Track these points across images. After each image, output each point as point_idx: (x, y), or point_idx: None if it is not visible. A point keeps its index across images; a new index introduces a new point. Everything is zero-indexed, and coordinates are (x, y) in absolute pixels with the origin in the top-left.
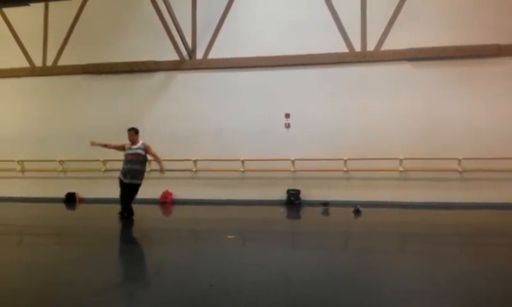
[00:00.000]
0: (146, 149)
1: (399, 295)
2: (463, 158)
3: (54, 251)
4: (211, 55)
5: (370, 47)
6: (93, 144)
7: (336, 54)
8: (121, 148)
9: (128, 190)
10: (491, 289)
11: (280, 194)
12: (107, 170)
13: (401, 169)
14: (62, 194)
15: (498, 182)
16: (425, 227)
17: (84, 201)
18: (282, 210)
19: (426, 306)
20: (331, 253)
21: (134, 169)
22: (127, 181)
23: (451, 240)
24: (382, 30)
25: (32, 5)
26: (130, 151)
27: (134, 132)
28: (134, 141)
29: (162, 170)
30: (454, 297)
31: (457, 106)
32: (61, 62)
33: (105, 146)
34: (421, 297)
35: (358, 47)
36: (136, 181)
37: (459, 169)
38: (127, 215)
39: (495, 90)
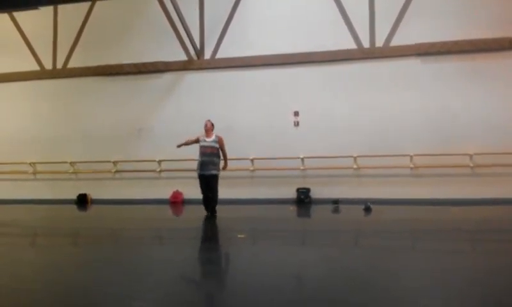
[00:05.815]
0: (219, 141)
1: (412, 293)
2: (475, 154)
3: (68, 251)
4: (219, 55)
5: (379, 42)
6: (179, 146)
7: (345, 50)
8: (196, 140)
9: (209, 182)
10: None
11: (290, 193)
12: (117, 171)
13: (412, 165)
14: (73, 196)
15: (511, 177)
16: (437, 224)
17: (95, 202)
18: (292, 209)
19: (441, 303)
20: (343, 251)
21: (213, 161)
22: (207, 173)
23: (466, 236)
24: (391, 26)
25: (42, 9)
26: (205, 144)
27: (211, 124)
28: (209, 133)
29: (225, 167)
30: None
31: (468, 101)
32: (70, 65)
33: (186, 144)
34: (435, 295)
35: (366, 43)
36: (214, 172)
37: (471, 164)
38: (209, 213)
39: (507, 83)
